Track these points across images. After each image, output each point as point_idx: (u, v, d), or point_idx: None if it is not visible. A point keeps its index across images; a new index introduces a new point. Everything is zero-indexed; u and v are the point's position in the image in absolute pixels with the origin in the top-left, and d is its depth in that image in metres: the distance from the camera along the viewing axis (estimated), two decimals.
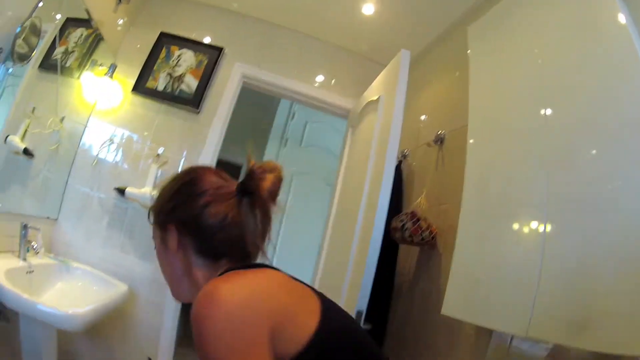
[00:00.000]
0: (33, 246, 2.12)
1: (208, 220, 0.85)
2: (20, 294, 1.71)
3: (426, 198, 2.16)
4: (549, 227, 1.24)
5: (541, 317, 1.16)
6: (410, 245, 2.09)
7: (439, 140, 2.26)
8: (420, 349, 1.99)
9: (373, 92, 2.33)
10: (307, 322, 0.73)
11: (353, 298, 1.70)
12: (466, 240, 1.57)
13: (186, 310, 1.60)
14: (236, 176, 0.95)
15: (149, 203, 2.29)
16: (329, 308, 0.80)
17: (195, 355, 0.69)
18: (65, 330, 1.93)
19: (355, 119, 2.64)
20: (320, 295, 0.84)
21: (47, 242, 2.45)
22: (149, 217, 0.96)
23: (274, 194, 0.88)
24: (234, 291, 0.70)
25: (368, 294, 1.65)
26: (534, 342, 1.29)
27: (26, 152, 2.12)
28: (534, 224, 1.31)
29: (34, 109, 2.14)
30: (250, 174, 0.86)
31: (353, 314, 1.61)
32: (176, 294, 0.96)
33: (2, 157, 2.02)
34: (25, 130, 2.08)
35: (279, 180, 0.89)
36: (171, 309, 2.58)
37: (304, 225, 3.78)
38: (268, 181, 0.86)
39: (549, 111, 1.34)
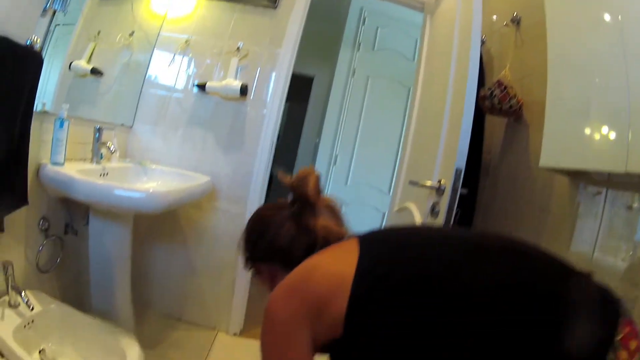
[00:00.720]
0: (109, 147, 2.07)
1: (284, 243, 1.05)
2: (95, 180, 1.72)
3: (510, 71, 2.11)
4: None
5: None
6: (497, 115, 2.08)
7: (516, 22, 2.22)
8: (509, 223, 1.99)
9: None
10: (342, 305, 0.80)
11: (450, 160, 1.65)
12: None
13: None
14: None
15: (231, 94, 2.35)
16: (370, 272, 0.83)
17: None
18: (145, 212, 1.91)
19: (432, 5, 2.53)
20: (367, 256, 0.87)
21: (122, 150, 2.46)
22: (245, 267, 1.18)
23: (318, 189, 1.07)
24: (278, 303, 0.87)
25: (466, 151, 1.62)
26: None
27: (94, 71, 2.10)
28: None
29: (99, 32, 2.09)
30: (294, 189, 1.07)
31: (451, 177, 1.59)
32: None
33: (67, 83, 1.98)
34: (91, 53, 2.05)
35: (317, 178, 1.08)
36: None
37: (380, 124, 3.97)
38: (311, 183, 1.05)
39: None
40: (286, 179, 1.08)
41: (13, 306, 1.50)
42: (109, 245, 1.98)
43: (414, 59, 3.85)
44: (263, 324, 0.87)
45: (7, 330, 1.37)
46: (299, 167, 4.66)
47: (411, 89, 3.55)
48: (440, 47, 2.20)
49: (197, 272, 2.70)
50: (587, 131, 1.39)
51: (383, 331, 0.76)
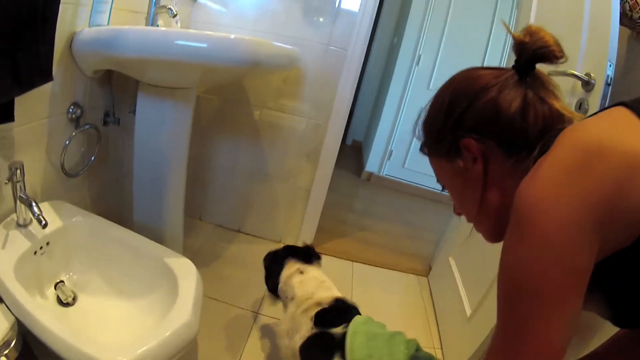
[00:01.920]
0: (170, 9, 1.60)
1: (509, 112, 0.68)
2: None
3: None
4: None
5: None
6: (627, 26, 1.71)
7: None
8: None
9: None
10: None
11: (599, 50, 1.37)
12: None
13: None
14: None
15: None
16: None
17: None
18: (223, 66, 1.35)
19: None
20: None
21: (184, 25, 2.01)
22: (422, 150, 0.83)
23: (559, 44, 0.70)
24: (551, 199, 0.55)
25: (616, 42, 1.32)
26: None
27: None
28: None
29: None
30: (521, 44, 0.70)
31: (603, 70, 1.34)
32: (494, 233, 0.78)
33: None
34: None
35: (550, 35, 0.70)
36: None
37: (468, 26, 3.53)
38: (546, 35, 0.70)
39: None
40: (514, 33, 0.72)
41: (22, 225, 1.13)
42: (161, 135, 1.54)
43: None
44: (518, 233, 0.58)
45: (7, 262, 1.01)
46: (370, 67, 4.34)
47: None
48: None
49: (265, 177, 2.31)
50: None
51: None
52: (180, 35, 1.23)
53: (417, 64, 3.59)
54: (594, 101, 1.32)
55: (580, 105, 1.37)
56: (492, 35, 3.49)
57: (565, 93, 1.46)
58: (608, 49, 1.31)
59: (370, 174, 3.92)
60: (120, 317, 1.18)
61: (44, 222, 1.05)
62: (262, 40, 1.36)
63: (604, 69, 1.30)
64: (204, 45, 1.20)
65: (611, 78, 1.30)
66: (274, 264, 1.48)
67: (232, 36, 1.22)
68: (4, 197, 1.15)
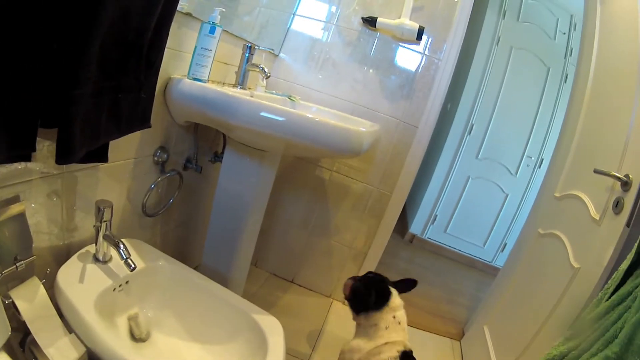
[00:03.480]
0: (263, 70, 1.66)
1: None
2: (251, 99, 1.31)
3: None
4: None
5: None
6: None
7: None
8: None
9: None
10: None
11: None
12: None
13: None
14: None
15: (407, 35, 1.95)
16: None
17: None
18: (337, 153, 1.44)
19: None
20: None
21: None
22: None
23: None
24: None
25: None
26: None
27: None
28: None
29: None
30: None
31: None
32: None
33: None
34: None
35: None
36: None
37: (518, 100, 3.67)
38: None
39: None
40: None
41: (101, 261, 1.16)
42: (243, 190, 1.62)
43: (554, 38, 3.59)
44: None
45: (87, 297, 1.02)
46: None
47: (550, 69, 3.57)
48: (620, 37, 1.84)
49: (325, 234, 2.40)
50: None
51: None
52: (300, 120, 1.28)
53: (470, 132, 3.69)
54: (629, 200, 1.35)
55: (617, 204, 1.41)
56: (540, 108, 3.63)
57: (605, 190, 1.52)
58: None
59: (414, 236, 3.99)
60: (193, 358, 1.20)
61: (133, 267, 1.07)
62: (370, 130, 1.44)
63: None
64: (323, 132, 1.28)
65: None
66: (373, 285, 1.54)
67: (352, 128, 1.30)
68: (77, 227, 1.19)
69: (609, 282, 1.16)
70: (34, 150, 0.82)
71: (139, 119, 1.16)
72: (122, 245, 1.09)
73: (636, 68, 1.55)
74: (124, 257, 1.07)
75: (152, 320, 1.23)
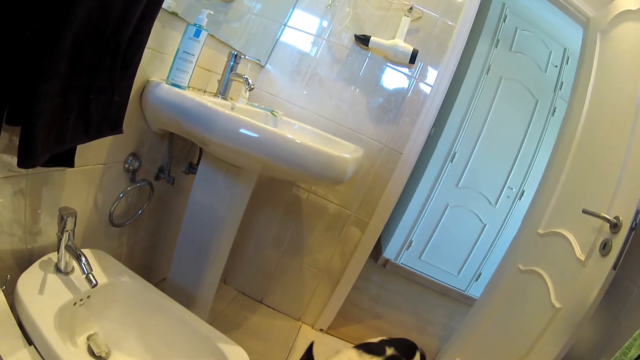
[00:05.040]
0: (247, 81, 1.57)
1: None
2: (229, 113, 1.21)
3: None
4: None
5: None
6: None
7: None
8: None
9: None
10: None
11: (631, 197, 1.39)
12: None
13: None
14: None
15: (400, 57, 1.89)
16: None
17: None
18: (320, 180, 1.35)
19: (602, 23, 2.07)
20: None
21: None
22: None
23: None
24: None
25: None
26: None
27: None
28: None
29: None
30: None
31: (631, 215, 1.34)
32: None
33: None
34: None
35: None
36: None
37: (503, 131, 3.66)
38: None
39: None
40: None
41: (63, 272, 1.08)
42: (217, 206, 1.54)
43: (545, 70, 3.59)
44: None
45: (47, 310, 0.96)
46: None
47: (538, 102, 3.57)
48: (619, 75, 1.83)
49: (297, 255, 2.32)
50: None
51: None
52: (281, 142, 1.20)
53: (452, 160, 3.65)
54: (618, 243, 1.34)
55: (604, 245, 1.39)
56: (525, 140, 3.62)
57: (592, 230, 1.50)
58: (639, 197, 1.34)
59: (387, 260, 3.92)
60: None
61: (94, 283, 1.01)
62: (354, 156, 1.38)
63: (632, 215, 1.33)
64: (304, 156, 1.20)
65: (636, 224, 1.32)
66: None
67: (336, 154, 1.23)
68: (40, 231, 1.12)
69: None
70: None
71: (110, 124, 1.08)
72: (84, 259, 1.02)
73: (633, 108, 1.53)
74: (86, 272, 1.01)
75: (113, 339, 1.16)
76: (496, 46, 3.52)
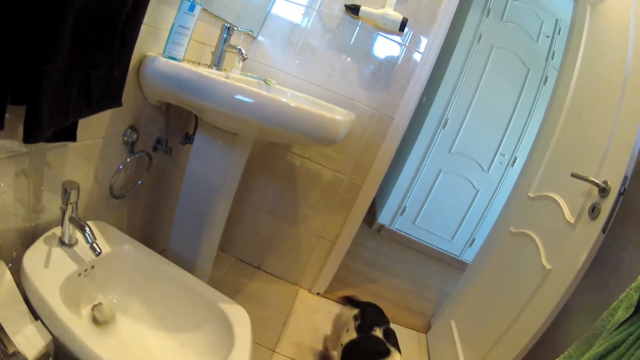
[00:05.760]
0: (241, 52, 1.60)
1: None
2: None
3: None
4: None
5: None
6: None
7: None
8: None
9: None
10: None
11: (619, 163, 1.40)
12: None
13: None
14: None
15: (389, 25, 1.93)
16: None
17: None
18: (311, 141, 1.40)
19: None
20: None
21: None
22: None
23: None
24: None
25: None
26: None
27: None
28: None
29: None
30: None
31: (619, 181, 1.36)
32: None
33: None
34: None
35: None
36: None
37: (495, 99, 3.70)
38: None
39: None
40: None
41: (67, 244, 1.12)
42: (213, 174, 1.58)
43: (537, 40, 3.62)
44: None
45: (53, 282, 0.98)
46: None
47: (530, 70, 3.61)
48: (608, 45, 1.85)
49: (293, 221, 2.38)
50: None
51: None
52: (275, 104, 1.25)
53: (444, 127, 3.70)
54: (607, 207, 1.37)
55: (593, 209, 1.42)
56: (517, 108, 3.67)
57: (581, 194, 1.53)
58: (627, 162, 1.35)
59: (382, 226, 4.00)
60: (158, 345, 1.18)
61: (98, 251, 1.04)
62: (346, 118, 1.42)
63: (620, 180, 1.35)
64: (298, 118, 1.25)
65: (625, 189, 1.35)
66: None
67: (328, 115, 1.28)
68: (44, 208, 1.14)
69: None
70: (2, 128, 0.76)
71: (111, 97, 1.12)
72: (87, 229, 1.05)
73: (622, 75, 1.55)
74: (90, 242, 1.04)
75: (118, 306, 1.19)
76: (487, 15, 3.53)
